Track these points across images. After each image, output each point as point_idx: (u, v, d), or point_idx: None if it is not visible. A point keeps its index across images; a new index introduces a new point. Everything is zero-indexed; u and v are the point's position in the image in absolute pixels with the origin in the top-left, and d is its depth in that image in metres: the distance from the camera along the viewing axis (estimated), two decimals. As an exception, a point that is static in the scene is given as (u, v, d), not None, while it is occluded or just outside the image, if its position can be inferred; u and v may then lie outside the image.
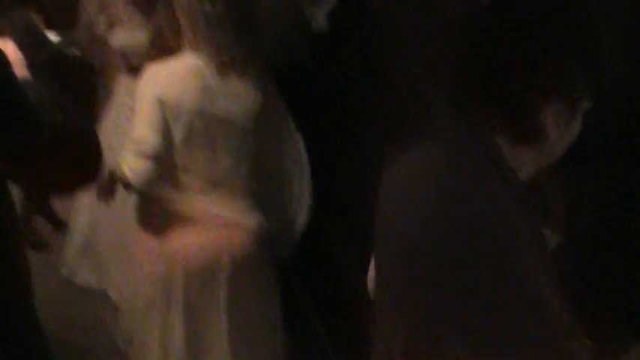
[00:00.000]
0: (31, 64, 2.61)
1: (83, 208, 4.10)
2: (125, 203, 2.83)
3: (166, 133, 2.50)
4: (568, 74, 1.34)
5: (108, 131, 3.72)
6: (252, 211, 2.69)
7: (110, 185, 2.62)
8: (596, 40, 1.38)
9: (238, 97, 2.59)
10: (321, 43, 2.89)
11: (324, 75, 2.89)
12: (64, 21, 4.33)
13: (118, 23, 3.77)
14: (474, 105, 1.35)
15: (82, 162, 2.45)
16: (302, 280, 2.94)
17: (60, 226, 4.66)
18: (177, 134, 2.51)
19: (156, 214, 2.63)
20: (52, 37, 4.43)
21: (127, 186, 2.56)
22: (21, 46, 2.71)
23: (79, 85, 3.95)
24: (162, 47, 2.63)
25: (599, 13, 1.40)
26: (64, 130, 2.24)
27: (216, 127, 2.56)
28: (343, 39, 2.77)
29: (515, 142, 1.34)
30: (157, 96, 2.48)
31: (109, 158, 2.69)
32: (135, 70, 3.34)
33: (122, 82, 3.82)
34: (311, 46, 2.90)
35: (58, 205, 4.71)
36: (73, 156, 2.35)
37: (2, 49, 2.18)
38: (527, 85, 1.32)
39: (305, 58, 2.88)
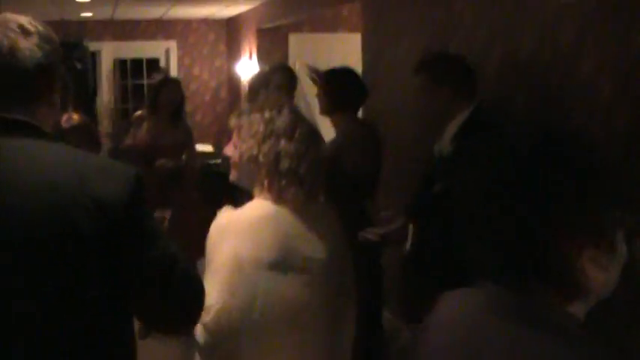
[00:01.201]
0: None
1: None
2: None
3: (242, 295, 2.31)
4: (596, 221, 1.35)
5: None
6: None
7: None
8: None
9: (316, 243, 2.44)
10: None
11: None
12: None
13: None
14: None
15: None
16: None
17: None
18: (255, 294, 2.32)
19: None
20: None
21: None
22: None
23: None
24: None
25: None
26: None
27: (297, 281, 2.38)
28: None
29: (566, 301, 1.36)
30: (230, 252, 2.32)
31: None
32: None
33: None
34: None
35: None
36: None
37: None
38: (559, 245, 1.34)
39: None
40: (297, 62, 10.12)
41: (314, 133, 2.53)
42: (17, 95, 1.73)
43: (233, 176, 2.57)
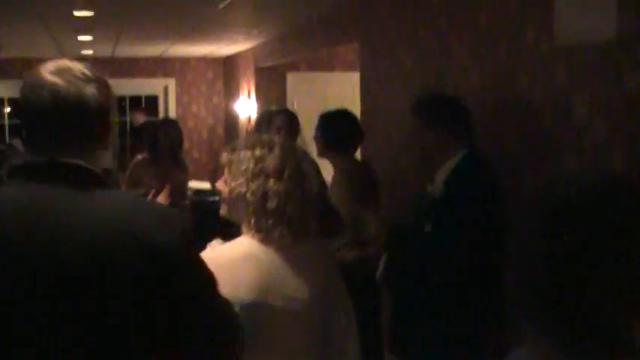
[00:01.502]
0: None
1: None
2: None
3: None
4: None
5: None
6: None
7: None
8: None
9: (300, 283, 2.44)
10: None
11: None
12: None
13: None
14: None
15: None
16: None
17: None
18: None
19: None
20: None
21: None
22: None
23: None
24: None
25: None
26: None
27: (278, 319, 2.39)
28: None
29: None
30: None
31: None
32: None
33: None
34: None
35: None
36: None
37: None
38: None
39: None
40: (295, 102, 10.23)
41: (304, 173, 2.51)
42: (81, 141, 1.77)
43: (223, 211, 2.56)
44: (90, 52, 10.94)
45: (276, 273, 2.39)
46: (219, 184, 2.58)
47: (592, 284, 1.37)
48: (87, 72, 1.80)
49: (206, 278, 1.80)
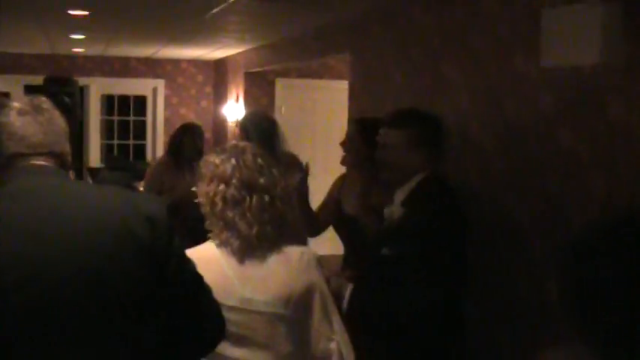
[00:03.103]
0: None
1: None
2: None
3: None
4: None
5: None
6: None
7: None
8: None
9: (259, 285, 2.58)
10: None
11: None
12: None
13: None
14: None
15: None
16: None
17: None
18: None
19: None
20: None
21: None
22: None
23: None
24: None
25: None
26: None
27: (238, 320, 2.54)
28: None
29: None
30: None
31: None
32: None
33: None
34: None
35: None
36: None
37: None
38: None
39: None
40: (284, 107, 10.29)
41: (255, 181, 2.61)
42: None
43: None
44: (81, 50, 10.96)
45: (231, 275, 2.55)
46: (194, 188, 2.73)
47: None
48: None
49: (184, 255, 2.07)
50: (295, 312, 2.64)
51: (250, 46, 9.57)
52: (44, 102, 2.04)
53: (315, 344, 2.68)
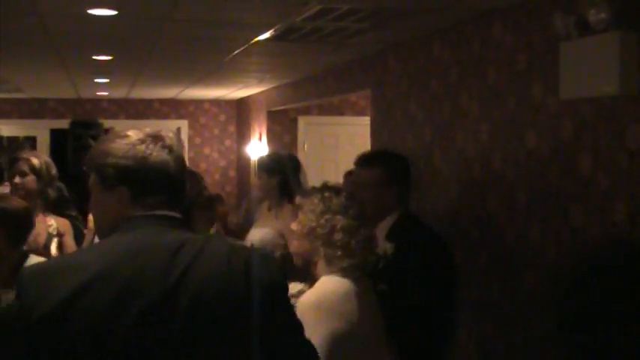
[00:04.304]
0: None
1: None
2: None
3: None
4: None
5: None
6: None
7: None
8: None
9: (369, 313, 2.73)
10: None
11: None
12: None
13: None
14: None
15: None
16: None
17: None
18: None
19: None
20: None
21: None
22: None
23: None
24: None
25: None
26: None
27: (359, 346, 2.65)
28: None
29: None
30: (328, 333, 2.56)
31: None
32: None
33: None
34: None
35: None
36: None
37: None
38: None
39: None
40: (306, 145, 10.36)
41: (366, 215, 2.83)
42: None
43: (293, 247, 2.91)
44: (105, 93, 11.11)
45: (357, 304, 2.68)
46: (293, 225, 2.91)
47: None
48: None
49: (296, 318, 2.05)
50: (382, 337, 2.83)
51: (272, 85, 9.66)
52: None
53: None
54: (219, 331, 1.82)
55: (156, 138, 1.98)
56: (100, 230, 2.04)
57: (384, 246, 3.42)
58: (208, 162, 12.80)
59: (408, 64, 5.35)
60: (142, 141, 1.96)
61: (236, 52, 5.94)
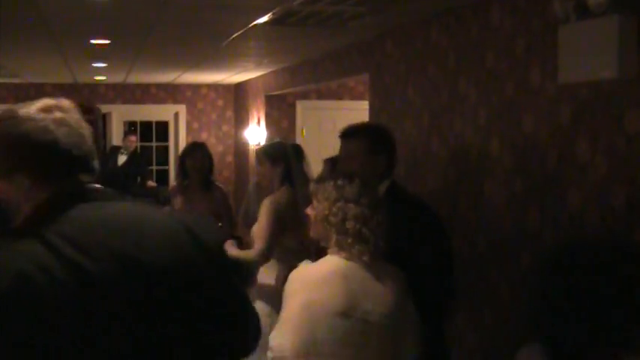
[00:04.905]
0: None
1: None
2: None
3: (309, 337, 2.66)
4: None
5: None
6: None
7: None
8: None
9: (378, 298, 2.78)
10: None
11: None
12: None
13: None
14: None
15: None
16: None
17: None
18: (321, 337, 2.67)
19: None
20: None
21: None
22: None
23: None
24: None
25: None
26: None
27: (357, 328, 2.72)
28: None
29: None
30: (304, 300, 2.69)
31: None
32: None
33: None
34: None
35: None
36: None
37: None
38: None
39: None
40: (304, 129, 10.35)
41: (380, 202, 2.91)
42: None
43: (312, 233, 3.00)
44: (103, 77, 11.10)
45: (358, 287, 2.76)
46: (309, 210, 2.98)
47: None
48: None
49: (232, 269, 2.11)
50: (401, 323, 2.85)
51: (269, 70, 9.65)
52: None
53: (406, 352, 2.89)
54: (176, 297, 1.83)
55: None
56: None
57: None
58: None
59: (406, 49, 5.34)
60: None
61: (234, 36, 5.92)
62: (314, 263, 2.89)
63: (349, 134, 3.58)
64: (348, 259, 2.78)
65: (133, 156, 11.51)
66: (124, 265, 1.77)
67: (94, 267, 1.74)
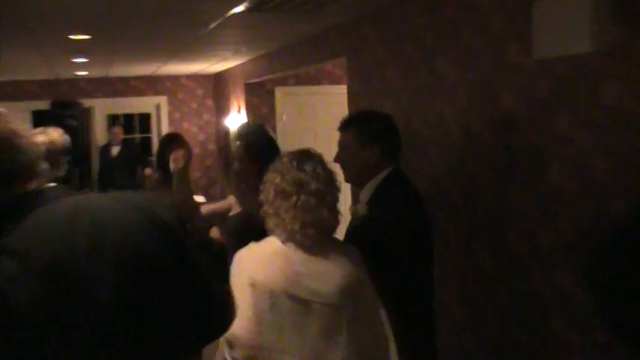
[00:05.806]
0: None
1: None
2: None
3: (257, 317, 2.72)
4: None
5: None
6: None
7: None
8: None
9: (322, 275, 2.80)
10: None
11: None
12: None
13: None
14: None
15: None
16: None
17: None
18: (269, 317, 2.73)
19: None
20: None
21: None
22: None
23: None
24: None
25: None
26: None
27: (303, 307, 2.75)
28: None
29: None
30: (248, 280, 2.75)
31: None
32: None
33: None
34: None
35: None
36: None
37: None
38: None
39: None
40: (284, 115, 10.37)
41: (317, 189, 2.88)
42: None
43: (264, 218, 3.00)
44: (84, 73, 11.05)
45: (300, 267, 2.79)
46: (262, 196, 3.00)
47: None
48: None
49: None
50: (352, 303, 2.83)
51: (248, 58, 9.64)
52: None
53: (366, 334, 2.86)
54: (145, 283, 1.80)
55: None
56: None
57: (358, 207, 3.47)
58: (188, 136, 12.58)
59: (383, 30, 5.36)
60: None
61: (212, 25, 5.93)
62: (258, 243, 2.91)
63: (340, 126, 3.61)
64: (287, 240, 2.84)
65: (127, 146, 11.54)
66: (87, 261, 1.74)
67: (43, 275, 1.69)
